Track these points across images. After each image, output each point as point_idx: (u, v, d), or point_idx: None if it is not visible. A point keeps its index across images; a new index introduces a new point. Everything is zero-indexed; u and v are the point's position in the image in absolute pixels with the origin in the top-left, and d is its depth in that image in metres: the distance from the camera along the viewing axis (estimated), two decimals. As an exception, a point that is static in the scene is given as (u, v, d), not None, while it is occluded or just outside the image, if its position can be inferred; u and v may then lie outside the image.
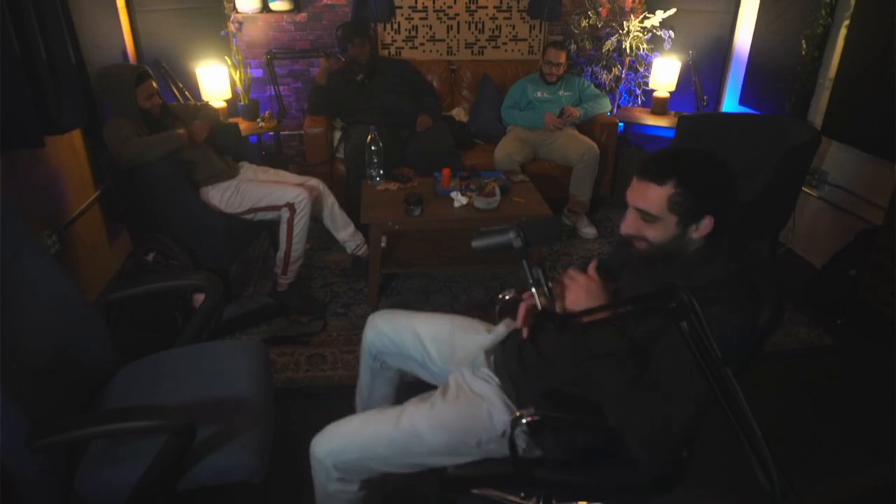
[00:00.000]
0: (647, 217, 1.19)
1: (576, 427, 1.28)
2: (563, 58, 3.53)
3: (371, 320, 1.66)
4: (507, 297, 1.38)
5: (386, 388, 1.74)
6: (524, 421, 1.21)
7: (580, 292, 1.22)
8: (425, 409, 1.35)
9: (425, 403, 1.37)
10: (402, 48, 4.03)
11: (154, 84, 2.50)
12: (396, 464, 1.34)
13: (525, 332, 1.27)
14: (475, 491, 1.40)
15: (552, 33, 4.12)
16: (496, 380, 1.41)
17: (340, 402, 2.18)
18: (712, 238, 1.19)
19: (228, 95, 3.56)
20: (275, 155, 3.79)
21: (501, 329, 1.50)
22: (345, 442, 1.33)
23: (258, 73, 3.85)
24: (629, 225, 1.22)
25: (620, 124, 3.71)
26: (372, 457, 1.32)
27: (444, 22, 4.01)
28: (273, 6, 3.73)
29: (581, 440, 1.30)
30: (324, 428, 1.36)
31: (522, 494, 1.43)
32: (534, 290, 1.19)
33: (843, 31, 2.96)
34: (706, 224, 1.17)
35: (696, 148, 1.22)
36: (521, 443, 1.31)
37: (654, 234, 1.19)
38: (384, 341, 1.62)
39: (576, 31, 3.96)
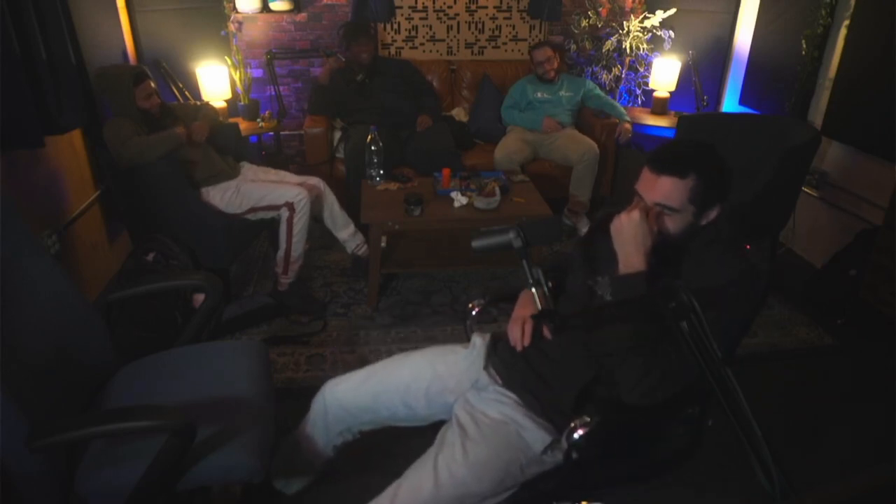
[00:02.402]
0: (668, 211, 1.22)
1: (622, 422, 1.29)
2: (547, 53, 3.54)
3: (327, 397, 1.50)
4: (477, 309, 1.37)
5: (334, 442, 1.58)
6: (577, 434, 1.18)
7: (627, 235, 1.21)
8: (459, 456, 1.24)
9: (455, 450, 1.26)
10: (402, 48, 4.03)
11: (152, 84, 2.50)
12: None
13: (519, 348, 1.27)
14: None
15: (552, 33, 4.12)
16: (512, 395, 1.35)
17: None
18: (712, 226, 1.26)
19: (228, 95, 3.56)
20: (275, 155, 3.79)
21: (477, 340, 1.46)
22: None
23: (258, 73, 3.85)
24: (652, 220, 1.23)
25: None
26: None
27: (444, 22, 4.01)
28: (273, 6, 3.73)
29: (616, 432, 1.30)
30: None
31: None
32: (534, 290, 1.19)
33: (843, 31, 2.96)
34: (715, 212, 1.23)
35: (697, 139, 1.27)
36: (556, 456, 1.28)
37: (673, 225, 1.23)
38: (356, 414, 1.49)
39: (576, 31, 3.96)
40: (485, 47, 4.11)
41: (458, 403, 1.39)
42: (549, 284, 1.21)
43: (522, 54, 4.12)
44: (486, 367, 1.44)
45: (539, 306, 1.19)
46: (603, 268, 1.31)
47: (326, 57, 3.56)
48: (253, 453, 1.34)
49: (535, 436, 1.28)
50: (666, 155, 1.23)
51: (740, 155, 2.97)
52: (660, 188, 1.21)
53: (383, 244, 2.77)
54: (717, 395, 0.92)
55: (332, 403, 1.50)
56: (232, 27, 3.64)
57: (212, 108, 2.89)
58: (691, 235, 1.25)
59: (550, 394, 1.33)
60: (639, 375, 1.17)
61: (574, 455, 1.24)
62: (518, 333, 1.27)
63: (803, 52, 3.12)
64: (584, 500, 1.42)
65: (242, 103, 3.63)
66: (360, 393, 1.47)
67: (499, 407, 1.33)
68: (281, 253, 2.65)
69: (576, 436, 1.19)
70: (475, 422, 1.31)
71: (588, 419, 1.19)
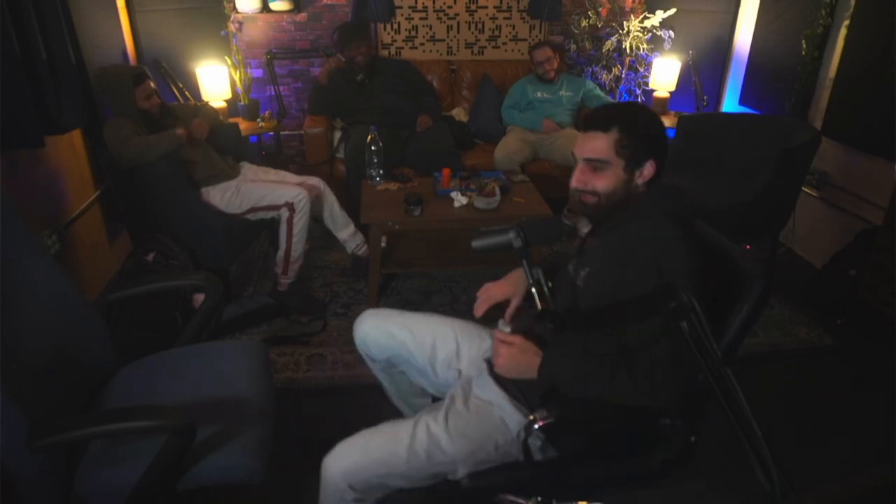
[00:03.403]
0: (597, 165, 1.26)
1: (588, 421, 1.28)
2: (547, 53, 3.55)
3: (356, 326, 1.58)
4: (538, 294, 1.37)
5: (414, 383, 1.66)
6: (536, 426, 1.20)
7: (509, 363, 1.28)
8: (441, 418, 1.31)
9: (440, 413, 1.33)
10: (402, 48, 4.03)
11: (152, 84, 2.50)
12: (416, 477, 1.29)
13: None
14: (512, 499, 1.38)
15: (552, 33, 4.12)
16: (497, 386, 1.38)
17: (341, 402, 2.19)
18: (657, 186, 1.29)
19: (228, 95, 3.57)
20: (275, 155, 3.79)
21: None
22: (361, 460, 1.27)
23: (258, 73, 3.85)
24: (578, 179, 1.28)
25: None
26: (391, 472, 1.27)
27: (444, 22, 4.01)
28: (273, 6, 3.73)
29: (596, 432, 1.30)
30: (334, 446, 1.31)
31: (540, 499, 1.41)
32: (533, 290, 1.19)
33: (843, 31, 2.96)
34: (649, 168, 1.26)
35: (631, 102, 1.31)
36: (536, 443, 1.30)
37: (604, 183, 1.26)
38: (373, 349, 1.57)
39: (576, 31, 3.96)
40: (485, 47, 4.11)
41: (458, 382, 1.45)
42: (549, 284, 1.21)
43: (522, 54, 4.12)
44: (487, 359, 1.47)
45: (539, 306, 1.19)
46: (583, 260, 1.35)
47: (326, 57, 3.56)
48: (253, 453, 1.34)
49: (514, 419, 1.32)
50: (592, 114, 1.31)
51: (740, 155, 2.99)
52: (587, 143, 1.27)
53: (383, 244, 2.77)
54: (717, 395, 0.92)
55: (357, 336, 1.58)
56: (232, 27, 3.65)
57: (211, 107, 2.90)
58: (628, 192, 1.27)
59: (531, 385, 1.33)
60: (610, 375, 1.18)
61: (536, 447, 1.28)
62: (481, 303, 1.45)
63: (803, 52, 3.12)
64: (583, 500, 1.42)
65: (242, 103, 3.63)
66: (386, 327, 1.55)
67: (488, 393, 1.37)
68: (281, 253, 2.65)
69: (536, 427, 1.20)
70: (465, 398, 1.37)
71: (546, 413, 1.20)
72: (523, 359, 1.26)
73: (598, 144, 1.25)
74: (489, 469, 1.31)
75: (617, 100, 3.97)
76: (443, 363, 1.51)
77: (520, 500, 1.38)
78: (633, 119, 1.27)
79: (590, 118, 1.29)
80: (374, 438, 1.31)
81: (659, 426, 1.25)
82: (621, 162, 1.25)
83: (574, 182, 1.29)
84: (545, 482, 1.34)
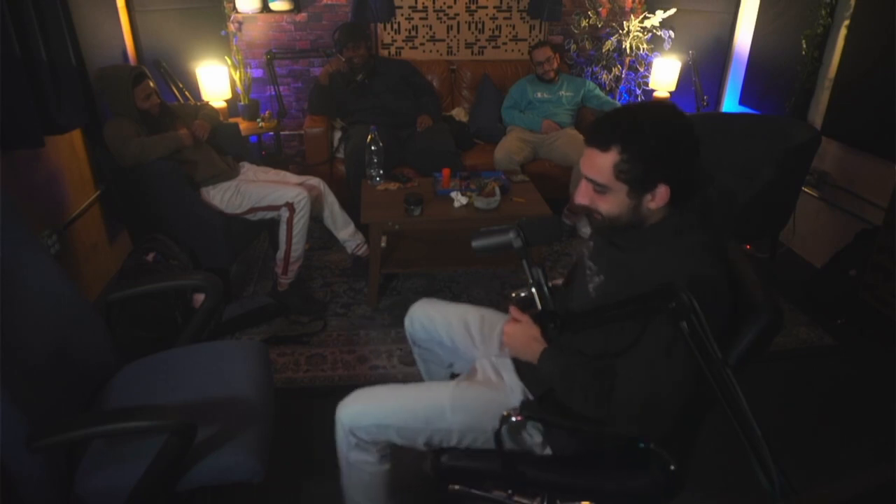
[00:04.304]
0: (597, 187, 1.12)
1: (563, 428, 1.27)
2: (547, 53, 3.55)
3: (409, 313, 1.66)
4: (521, 295, 1.37)
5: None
6: (513, 419, 1.21)
7: (514, 334, 1.27)
8: (451, 386, 1.36)
9: (451, 383, 1.38)
10: (402, 48, 4.03)
11: (151, 84, 2.50)
12: (410, 436, 1.32)
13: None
14: (476, 492, 1.39)
15: (552, 33, 4.12)
16: (513, 371, 1.41)
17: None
18: (679, 209, 1.12)
19: (228, 95, 3.56)
20: (275, 155, 3.80)
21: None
22: (367, 407, 1.33)
23: (258, 73, 3.85)
24: (582, 195, 1.16)
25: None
26: (389, 424, 1.31)
27: (444, 22, 4.01)
28: (273, 6, 3.73)
29: (595, 441, 1.29)
30: (350, 393, 1.37)
31: (540, 498, 1.42)
32: (533, 290, 1.19)
33: (843, 31, 2.96)
34: (662, 193, 1.09)
35: (649, 104, 1.17)
36: (536, 437, 1.30)
37: (607, 206, 1.13)
38: (418, 329, 1.63)
39: (576, 31, 3.96)
40: (485, 47, 4.11)
41: (477, 360, 1.46)
42: (549, 285, 1.21)
43: (522, 54, 4.12)
44: None
45: (539, 306, 1.19)
46: (598, 263, 1.30)
47: (326, 57, 3.56)
48: (253, 453, 1.34)
49: (517, 399, 1.33)
50: (593, 126, 1.12)
51: (740, 155, 2.99)
52: (587, 161, 1.12)
53: (383, 244, 2.77)
54: (717, 395, 0.92)
55: (407, 319, 1.65)
56: (232, 27, 3.65)
57: (212, 107, 2.89)
58: (638, 218, 1.13)
59: (532, 381, 1.35)
60: (591, 379, 1.17)
61: (535, 439, 1.29)
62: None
63: (803, 52, 3.12)
64: (585, 500, 1.42)
65: (242, 103, 3.63)
66: (429, 312, 1.61)
67: (505, 374, 1.38)
68: (281, 253, 2.65)
69: (513, 419, 1.21)
70: (482, 373, 1.39)
71: (518, 410, 1.22)
72: (525, 339, 1.26)
73: (597, 165, 1.10)
74: (472, 451, 1.32)
75: (617, 100, 3.97)
76: (468, 345, 1.55)
77: (524, 501, 1.38)
78: (635, 137, 1.07)
79: (590, 131, 1.13)
80: (383, 391, 1.38)
81: (636, 449, 1.24)
82: (623, 187, 1.09)
83: (578, 198, 1.17)
84: (516, 478, 1.34)
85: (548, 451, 1.31)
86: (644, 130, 1.07)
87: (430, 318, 1.61)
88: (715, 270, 1.08)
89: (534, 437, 1.30)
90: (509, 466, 1.30)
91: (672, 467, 1.19)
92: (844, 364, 2.48)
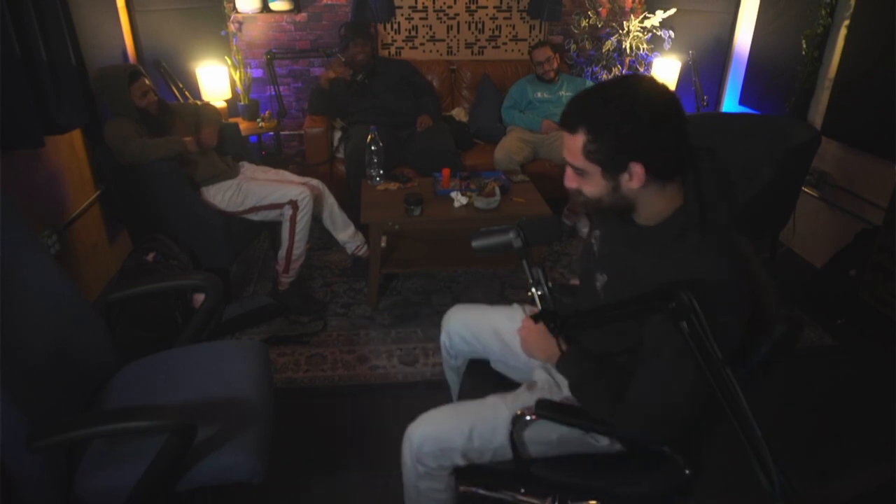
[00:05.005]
0: (576, 171, 1.11)
1: (579, 427, 1.27)
2: (547, 53, 3.55)
3: (445, 320, 1.63)
4: (538, 294, 1.36)
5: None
6: (527, 418, 1.21)
7: (529, 338, 1.27)
8: (509, 400, 1.32)
9: (508, 395, 1.34)
10: (402, 48, 4.03)
11: (147, 82, 2.49)
12: (474, 456, 1.30)
13: None
14: (482, 492, 1.39)
15: (552, 33, 4.12)
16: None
17: (341, 403, 2.19)
18: (684, 209, 1.09)
19: (228, 95, 3.57)
20: (275, 155, 3.80)
21: None
22: (430, 430, 1.30)
23: (258, 73, 3.85)
24: (568, 179, 1.15)
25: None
26: (453, 447, 1.29)
27: (444, 22, 4.01)
28: (273, 6, 3.73)
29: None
30: (418, 416, 1.35)
31: (551, 498, 1.42)
32: (533, 289, 1.19)
33: (843, 31, 2.96)
34: (637, 172, 1.05)
35: (620, 79, 1.12)
36: (602, 441, 1.29)
37: (589, 188, 1.11)
38: (459, 342, 1.60)
39: (576, 31, 3.96)
40: (485, 47, 4.11)
41: (541, 368, 1.42)
42: (549, 285, 1.21)
43: (522, 54, 4.12)
44: None
45: (539, 306, 1.18)
46: (600, 263, 1.28)
47: (326, 56, 3.55)
48: (253, 453, 1.34)
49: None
50: (565, 108, 1.10)
51: (740, 155, 2.99)
52: (564, 145, 1.10)
53: (383, 244, 2.77)
54: (718, 395, 0.92)
55: (444, 333, 1.63)
56: (232, 27, 3.65)
57: (213, 108, 2.88)
58: (623, 199, 1.10)
59: None
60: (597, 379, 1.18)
61: (602, 442, 1.28)
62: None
63: (803, 52, 3.12)
64: (593, 499, 1.42)
65: (242, 103, 3.63)
66: (469, 322, 1.59)
67: (553, 372, 1.37)
68: (282, 251, 2.65)
69: (528, 418, 1.22)
70: (546, 384, 1.36)
71: (534, 409, 1.22)
72: (543, 343, 1.26)
73: (569, 148, 1.09)
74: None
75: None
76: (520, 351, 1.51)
77: (534, 501, 1.38)
78: (598, 117, 1.04)
79: (561, 114, 1.11)
80: (444, 412, 1.35)
81: (651, 453, 1.24)
82: (596, 168, 1.07)
83: (566, 182, 1.16)
84: (532, 479, 1.34)
85: (617, 447, 1.30)
86: (607, 108, 1.04)
87: (471, 328, 1.57)
88: (726, 273, 1.05)
89: (599, 440, 1.29)
90: (525, 468, 1.30)
91: (687, 471, 1.20)
92: (844, 364, 2.48)
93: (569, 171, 1.14)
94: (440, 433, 1.30)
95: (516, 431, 1.26)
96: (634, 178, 1.05)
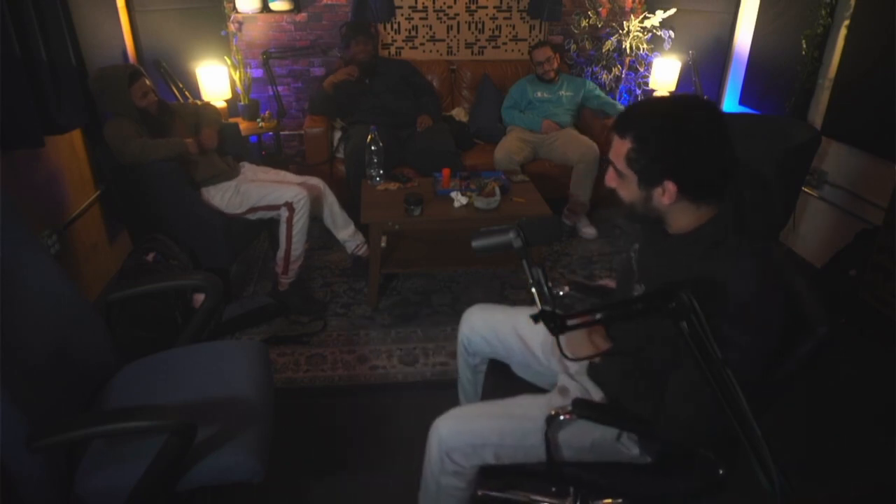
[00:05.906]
0: (617, 173, 1.15)
1: (616, 427, 1.27)
2: (547, 53, 3.55)
3: (466, 318, 1.62)
4: (560, 294, 1.36)
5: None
6: (561, 418, 1.22)
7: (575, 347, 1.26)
8: (543, 401, 1.32)
9: (542, 396, 1.34)
10: (402, 48, 4.03)
11: (147, 82, 2.49)
12: (505, 455, 1.30)
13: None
14: (495, 494, 1.38)
15: (552, 33, 4.12)
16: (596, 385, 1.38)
17: (341, 403, 2.19)
18: (714, 221, 1.12)
19: (228, 95, 3.57)
20: (275, 155, 3.80)
21: None
22: (460, 427, 1.30)
23: (258, 73, 3.85)
24: (609, 178, 1.19)
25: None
26: (485, 443, 1.28)
27: (444, 22, 4.01)
28: (273, 6, 3.73)
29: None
30: (447, 411, 1.34)
31: (572, 498, 1.41)
32: (533, 290, 1.19)
33: (843, 31, 2.96)
34: (670, 189, 1.08)
35: (675, 97, 1.16)
36: (633, 449, 1.29)
37: (624, 192, 1.16)
38: (479, 341, 1.59)
39: (576, 31, 3.96)
40: (485, 47, 4.11)
41: (563, 374, 1.41)
42: (549, 285, 1.21)
43: (522, 54, 4.12)
44: None
45: (539, 306, 1.18)
46: (643, 275, 1.29)
47: (324, 54, 3.55)
48: (253, 453, 1.34)
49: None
50: (623, 111, 1.16)
51: (740, 155, 2.99)
52: (612, 145, 1.15)
53: (383, 244, 2.77)
54: (717, 395, 0.92)
55: (465, 327, 1.61)
56: (232, 27, 3.65)
57: (213, 108, 2.88)
58: (654, 211, 1.14)
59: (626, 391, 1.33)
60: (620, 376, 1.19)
61: (633, 451, 1.28)
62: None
63: (803, 52, 3.12)
64: (607, 497, 1.42)
65: (242, 103, 3.63)
66: (492, 321, 1.58)
67: (597, 392, 1.37)
68: (281, 253, 2.65)
69: (562, 418, 1.22)
70: (578, 390, 1.35)
71: (570, 408, 1.21)
72: (585, 341, 1.26)
73: (615, 150, 1.13)
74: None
75: (617, 100, 3.97)
76: (545, 355, 1.49)
77: (553, 501, 1.38)
78: (646, 130, 1.08)
79: (619, 115, 1.16)
80: (475, 409, 1.37)
81: (687, 454, 1.23)
82: (634, 176, 1.12)
83: (606, 180, 1.20)
84: (558, 478, 1.33)
85: (647, 459, 1.30)
86: (655, 123, 1.08)
87: (494, 329, 1.56)
88: (755, 285, 1.06)
89: (630, 449, 1.29)
90: (558, 470, 1.30)
91: (721, 471, 1.22)
92: (844, 364, 2.48)
93: (611, 171, 1.18)
94: (473, 430, 1.30)
95: (551, 432, 1.25)
96: (666, 194, 1.10)
